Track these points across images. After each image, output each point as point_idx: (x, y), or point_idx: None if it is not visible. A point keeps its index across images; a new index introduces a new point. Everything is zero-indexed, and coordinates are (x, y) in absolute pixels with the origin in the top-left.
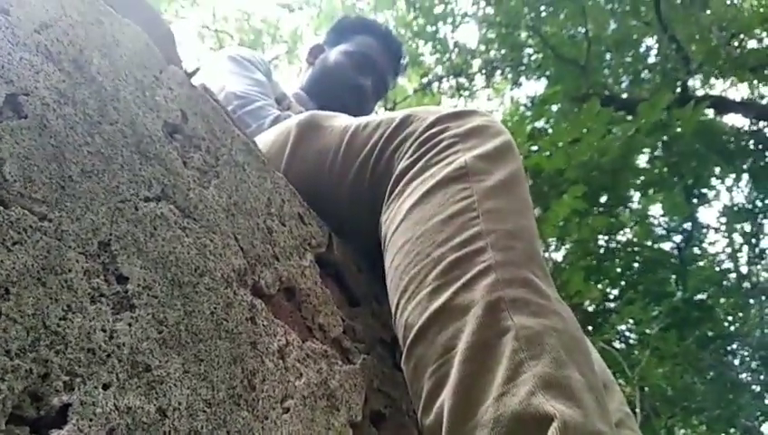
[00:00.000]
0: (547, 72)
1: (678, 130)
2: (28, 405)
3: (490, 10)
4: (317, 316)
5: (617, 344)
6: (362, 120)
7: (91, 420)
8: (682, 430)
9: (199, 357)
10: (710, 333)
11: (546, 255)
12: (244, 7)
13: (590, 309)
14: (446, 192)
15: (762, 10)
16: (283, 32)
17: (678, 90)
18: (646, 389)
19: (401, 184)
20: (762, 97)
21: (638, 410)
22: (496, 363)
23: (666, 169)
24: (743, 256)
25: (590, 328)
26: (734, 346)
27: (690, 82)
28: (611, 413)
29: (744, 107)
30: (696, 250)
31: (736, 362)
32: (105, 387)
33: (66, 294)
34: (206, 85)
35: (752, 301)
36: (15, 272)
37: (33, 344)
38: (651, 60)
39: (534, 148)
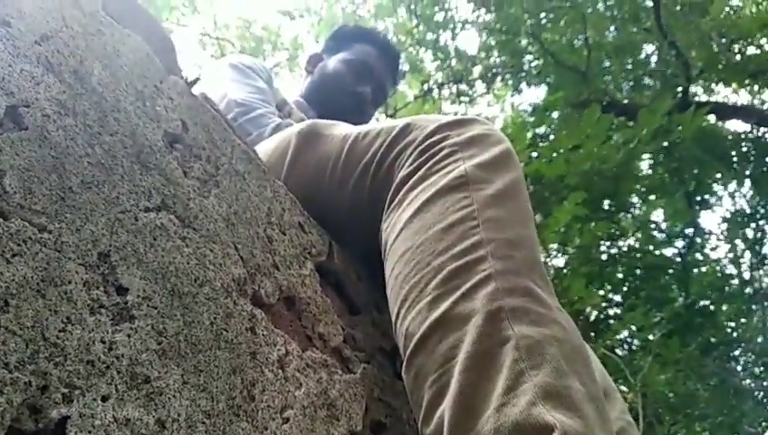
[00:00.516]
0: (548, 79)
1: (679, 135)
2: (27, 418)
3: (490, 17)
4: (317, 325)
5: (619, 351)
6: (362, 128)
7: (89, 432)
8: None
9: (199, 368)
10: (713, 340)
11: (548, 261)
12: (245, 15)
13: (592, 316)
14: (447, 201)
15: (761, 16)
16: (283, 39)
17: (679, 95)
18: (648, 395)
19: (401, 193)
20: (763, 103)
21: (640, 416)
22: (497, 373)
23: (667, 175)
24: (745, 262)
25: (591, 335)
26: (737, 352)
27: (691, 89)
28: (612, 422)
29: (745, 113)
30: (699, 256)
31: (739, 368)
32: (104, 399)
33: (66, 306)
34: (206, 94)
35: (754, 307)
36: (15, 284)
37: (33, 357)
38: (651, 66)
39: (535, 154)
